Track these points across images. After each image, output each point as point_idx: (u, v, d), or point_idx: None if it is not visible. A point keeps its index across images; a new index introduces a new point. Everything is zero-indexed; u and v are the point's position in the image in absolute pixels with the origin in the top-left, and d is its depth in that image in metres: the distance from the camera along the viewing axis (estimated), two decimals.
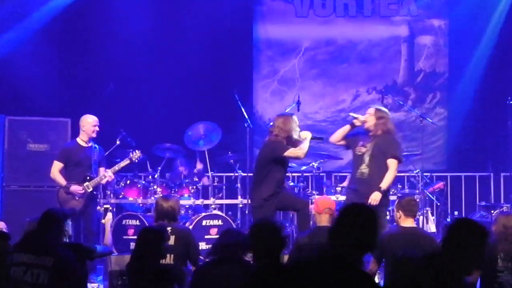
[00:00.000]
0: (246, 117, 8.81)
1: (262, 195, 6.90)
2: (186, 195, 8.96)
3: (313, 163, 9.29)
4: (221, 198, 9.62)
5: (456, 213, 9.93)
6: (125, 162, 7.95)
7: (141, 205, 8.92)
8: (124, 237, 8.34)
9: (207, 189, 9.22)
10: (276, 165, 6.94)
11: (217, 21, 10.61)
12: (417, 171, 9.14)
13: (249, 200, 7.44)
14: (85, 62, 10.39)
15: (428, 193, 9.22)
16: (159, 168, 9.09)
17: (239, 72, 11.05)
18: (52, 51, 10.13)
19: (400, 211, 5.76)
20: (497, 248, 5.38)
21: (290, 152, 6.91)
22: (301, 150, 6.93)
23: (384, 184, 6.99)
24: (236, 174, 9.18)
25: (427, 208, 8.91)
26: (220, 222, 8.32)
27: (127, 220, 8.54)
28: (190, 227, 8.10)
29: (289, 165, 7.47)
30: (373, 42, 11.23)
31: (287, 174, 7.71)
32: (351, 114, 7.59)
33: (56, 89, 9.96)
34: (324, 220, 5.87)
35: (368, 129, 7.22)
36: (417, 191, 8.92)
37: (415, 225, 5.96)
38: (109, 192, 8.84)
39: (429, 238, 5.81)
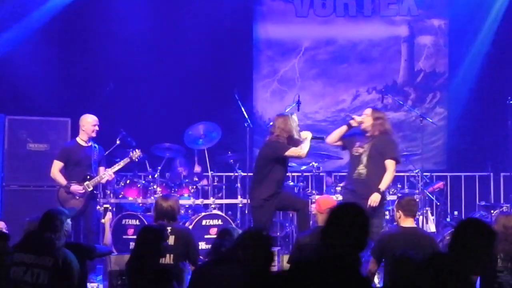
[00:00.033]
0: (246, 117, 8.81)
1: (262, 195, 6.90)
2: (186, 195, 8.96)
3: (313, 163, 9.30)
4: (221, 198, 9.62)
5: (456, 213, 9.94)
6: (125, 161, 7.95)
7: (140, 204, 8.93)
8: (124, 236, 8.35)
9: (207, 190, 9.24)
10: (276, 165, 6.94)
11: (217, 21, 10.61)
12: (417, 171, 9.14)
13: (249, 200, 7.43)
14: (85, 62, 10.38)
15: (428, 193, 9.21)
16: (159, 168, 9.10)
17: (239, 72, 11.05)
18: (52, 50, 10.12)
19: (400, 211, 5.75)
20: (497, 248, 5.37)
21: (292, 151, 6.91)
22: (302, 150, 6.94)
23: (383, 186, 7.00)
24: (236, 174, 9.18)
25: (426, 208, 8.91)
26: (220, 222, 8.32)
27: (127, 220, 8.55)
28: (190, 227, 8.10)
29: (289, 165, 7.47)
30: (373, 42, 11.23)
31: (287, 174, 7.71)
32: (353, 116, 7.54)
33: (56, 88, 9.95)
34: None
35: (365, 130, 7.21)
36: (417, 191, 8.92)
37: (415, 225, 5.96)
38: (108, 192, 8.85)
39: (429, 238, 5.81)
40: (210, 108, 10.64)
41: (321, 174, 9.85)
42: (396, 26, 11.24)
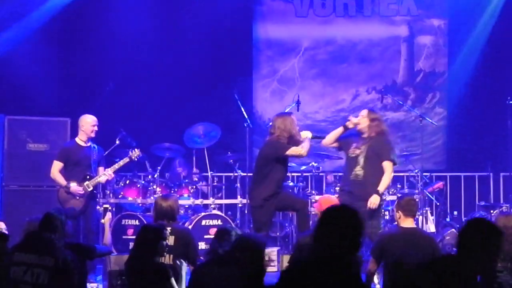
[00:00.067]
0: (246, 117, 8.81)
1: (262, 195, 6.89)
2: (185, 195, 8.96)
3: (313, 163, 9.30)
4: (221, 198, 9.63)
5: (455, 213, 9.95)
6: (125, 160, 7.95)
7: (140, 205, 8.93)
8: (124, 237, 8.35)
9: (207, 190, 9.24)
10: (276, 165, 6.94)
11: (217, 21, 10.60)
12: (416, 171, 9.15)
13: (249, 200, 7.42)
14: (84, 62, 10.38)
15: (427, 193, 9.22)
16: (159, 168, 9.10)
17: (239, 72, 11.05)
18: (52, 50, 10.12)
19: (399, 211, 5.75)
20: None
21: (292, 150, 6.91)
22: (303, 149, 6.94)
23: (381, 187, 7.01)
24: (236, 174, 9.18)
25: (426, 208, 8.91)
26: (219, 222, 8.31)
27: (127, 220, 8.56)
28: (190, 227, 8.10)
29: (289, 165, 7.47)
30: (373, 42, 11.24)
31: (287, 174, 7.71)
32: (349, 117, 7.52)
33: (55, 88, 9.95)
34: None
35: (362, 131, 7.20)
36: (417, 191, 8.93)
37: (415, 226, 5.95)
38: (108, 192, 8.86)
39: (428, 238, 5.80)
40: (210, 108, 10.65)
41: (320, 174, 9.85)
42: (395, 26, 11.24)
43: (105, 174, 7.76)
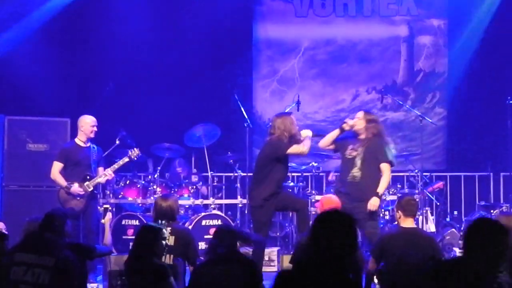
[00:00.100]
0: (246, 117, 8.81)
1: (262, 195, 6.88)
2: (185, 195, 8.97)
3: (313, 163, 9.30)
4: (221, 198, 9.63)
5: (455, 213, 9.94)
6: (124, 160, 7.94)
7: (140, 205, 8.94)
8: (124, 237, 8.36)
9: (207, 190, 9.24)
10: (277, 164, 6.94)
11: (217, 21, 10.60)
12: (416, 171, 9.15)
13: (248, 200, 7.42)
14: (84, 62, 10.38)
15: (427, 193, 9.22)
16: (159, 168, 9.10)
17: (238, 72, 11.06)
18: (52, 51, 10.12)
19: (399, 211, 5.76)
20: None
21: (294, 148, 6.90)
22: (305, 146, 6.94)
23: (380, 189, 7.02)
24: (236, 174, 9.19)
25: (426, 208, 8.91)
26: (219, 222, 8.31)
27: (127, 220, 8.57)
28: (190, 227, 8.11)
29: (289, 164, 7.46)
30: (373, 42, 11.23)
31: (287, 174, 7.71)
32: (346, 120, 7.48)
33: (55, 89, 9.95)
34: None
35: (358, 133, 7.19)
36: (417, 191, 8.93)
37: (415, 226, 5.95)
38: (108, 192, 8.86)
39: (428, 238, 5.81)
40: (210, 108, 10.66)
41: (321, 174, 9.85)
42: (395, 26, 11.24)
43: (105, 174, 7.76)
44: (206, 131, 9.32)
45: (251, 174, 7.69)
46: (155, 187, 8.88)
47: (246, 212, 8.59)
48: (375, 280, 6.56)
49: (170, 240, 5.59)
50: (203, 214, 8.57)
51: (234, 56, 11.05)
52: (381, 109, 11.05)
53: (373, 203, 6.90)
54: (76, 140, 7.87)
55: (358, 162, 7.07)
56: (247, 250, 6.65)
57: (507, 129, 9.40)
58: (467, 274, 3.47)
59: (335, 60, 11.26)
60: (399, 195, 8.21)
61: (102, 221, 6.31)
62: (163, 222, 5.64)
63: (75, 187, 7.58)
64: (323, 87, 11.27)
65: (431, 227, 8.83)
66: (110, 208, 6.78)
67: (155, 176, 9.00)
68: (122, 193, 8.91)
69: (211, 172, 9.21)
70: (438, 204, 9.73)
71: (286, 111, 8.19)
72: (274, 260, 8.11)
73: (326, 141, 7.35)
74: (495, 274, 3.72)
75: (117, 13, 10.35)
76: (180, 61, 10.53)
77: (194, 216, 8.61)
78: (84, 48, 10.48)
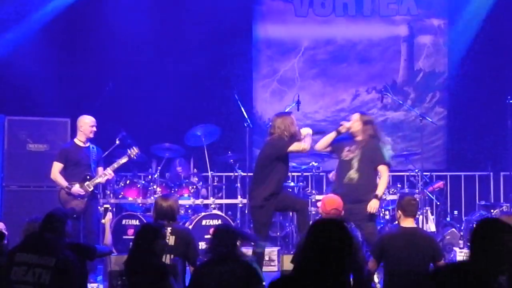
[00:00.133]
0: (246, 117, 8.81)
1: (262, 195, 6.87)
2: (185, 195, 8.97)
3: (313, 163, 9.29)
4: (221, 197, 9.62)
5: (456, 212, 9.93)
6: (124, 159, 7.94)
7: (140, 205, 8.93)
8: (124, 237, 8.35)
9: (207, 190, 9.24)
10: (278, 164, 6.93)
11: (217, 21, 10.61)
12: (416, 170, 9.15)
13: (249, 200, 7.41)
14: (84, 62, 10.37)
15: (427, 192, 9.22)
16: (159, 168, 9.10)
17: (238, 71, 11.06)
18: (52, 51, 10.11)
19: (399, 211, 5.76)
20: None
21: (295, 145, 6.89)
22: (306, 143, 6.93)
23: (380, 191, 7.04)
24: (236, 173, 9.18)
25: (426, 208, 8.91)
26: (219, 222, 8.30)
27: (127, 220, 8.56)
28: (190, 227, 8.11)
29: (289, 164, 7.46)
30: (373, 41, 11.23)
31: (288, 174, 7.70)
32: (342, 122, 7.48)
33: (55, 89, 9.95)
34: None
35: (355, 135, 7.19)
36: (417, 190, 8.93)
37: (415, 225, 5.95)
38: (108, 192, 8.86)
39: (429, 238, 5.80)
40: (210, 108, 10.67)
41: (321, 174, 9.84)
42: (395, 26, 11.24)
43: (105, 174, 7.77)
44: (206, 131, 9.32)
45: (251, 174, 7.68)
46: (155, 187, 8.88)
47: (246, 212, 8.59)
48: (375, 280, 6.57)
49: (170, 240, 5.60)
50: (203, 214, 8.56)
51: (234, 56, 11.05)
52: (381, 109, 11.07)
53: (373, 206, 6.91)
54: (76, 140, 7.87)
55: (355, 164, 7.06)
56: (247, 249, 6.64)
57: (507, 129, 9.39)
58: (469, 278, 3.43)
59: (335, 60, 11.26)
60: (400, 194, 8.20)
61: (103, 221, 6.31)
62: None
63: (76, 188, 7.58)
64: (323, 87, 11.27)
65: (431, 226, 8.83)
66: (110, 208, 6.78)
67: (155, 176, 9.00)
68: (122, 193, 8.91)
69: (211, 172, 9.21)
70: (438, 203, 9.72)
71: (286, 111, 8.18)
72: (274, 260, 8.10)
73: (322, 144, 7.35)
74: (496, 275, 3.70)
75: (117, 13, 10.35)
76: (180, 61, 10.53)
77: (194, 216, 8.61)
78: (84, 48, 10.48)
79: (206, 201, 9.02)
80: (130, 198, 8.91)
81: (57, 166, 7.73)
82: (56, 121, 9.08)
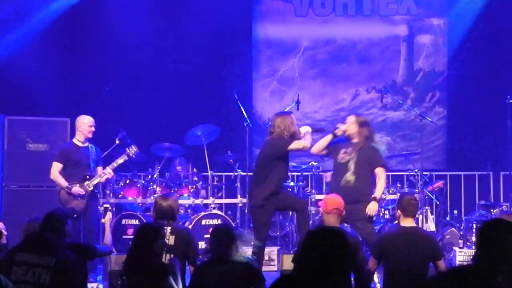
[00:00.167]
0: (246, 116, 8.80)
1: (262, 194, 6.86)
2: (185, 195, 8.97)
3: (313, 162, 9.30)
4: (221, 197, 9.62)
5: (455, 212, 9.93)
6: (123, 158, 7.94)
7: (140, 204, 8.94)
8: (124, 236, 8.36)
9: (207, 189, 9.24)
10: (278, 164, 6.92)
11: (217, 21, 10.61)
12: (416, 170, 9.15)
13: (248, 200, 7.41)
14: (85, 62, 10.38)
15: (427, 192, 9.22)
16: (159, 167, 9.10)
17: (238, 71, 11.06)
18: (52, 51, 10.12)
19: (399, 210, 5.76)
20: None
21: (295, 144, 6.89)
22: (306, 141, 6.93)
23: (378, 194, 7.04)
24: (236, 173, 9.18)
25: (426, 207, 8.90)
26: (219, 222, 8.31)
27: (127, 220, 8.57)
28: (190, 226, 8.11)
29: (289, 164, 7.46)
30: (373, 41, 11.24)
31: (288, 174, 7.70)
32: (337, 125, 7.45)
33: (55, 89, 9.95)
34: (331, 221, 5.70)
35: (351, 137, 7.19)
36: (417, 190, 8.93)
37: (415, 225, 5.95)
38: (108, 192, 8.86)
39: (428, 238, 5.80)
40: (210, 107, 10.67)
41: (320, 173, 9.84)
42: (395, 26, 11.24)
43: (104, 173, 7.76)
44: (206, 131, 9.32)
45: (251, 173, 7.68)
46: (155, 186, 8.89)
47: (246, 211, 8.59)
48: (375, 279, 6.58)
49: (170, 240, 5.60)
50: (203, 213, 8.57)
51: (234, 56, 11.06)
52: (381, 109, 11.07)
53: (372, 208, 6.91)
54: (74, 140, 7.87)
55: (352, 166, 7.05)
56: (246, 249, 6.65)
57: (507, 128, 9.39)
58: (472, 282, 3.39)
59: (335, 60, 11.26)
60: (399, 194, 8.21)
61: (102, 220, 6.32)
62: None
63: (76, 188, 7.59)
64: (323, 86, 11.27)
65: (431, 226, 8.83)
66: (110, 208, 6.78)
67: (155, 175, 9.00)
68: (122, 192, 8.91)
69: (211, 172, 9.21)
70: (438, 203, 9.72)
71: (286, 110, 8.18)
72: (274, 260, 8.11)
73: (319, 147, 7.34)
74: (497, 276, 3.70)
75: (117, 13, 10.35)
76: (180, 61, 10.53)
77: (194, 216, 8.61)
78: (84, 48, 10.48)
79: (206, 201, 9.03)
80: (130, 198, 8.91)
81: (56, 166, 7.74)
82: (56, 121, 9.07)
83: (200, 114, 10.27)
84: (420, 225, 8.15)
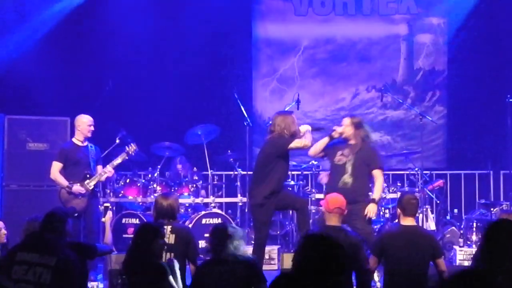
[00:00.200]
0: (246, 115, 8.80)
1: (263, 193, 6.85)
2: (185, 194, 8.98)
3: (313, 161, 9.29)
4: (221, 196, 9.62)
5: (455, 211, 9.93)
6: (123, 156, 7.93)
7: (140, 203, 8.94)
8: (124, 236, 8.36)
9: (207, 188, 9.25)
10: (278, 162, 6.92)
11: (217, 20, 10.61)
12: (416, 169, 9.16)
13: (249, 199, 7.41)
14: (85, 62, 10.37)
15: (427, 191, 9.22)
16: (159, 166, 9.10)
17: (238, 70, 11.06)
18: (52, 50, 10.12)
19: (399, 209, 5.76)
20: None
21: (296, 142, 6.89)
22: (306, 140, 6.93)
23: (377, 196, 7.05)
24: (236, 172, 9.19)
25: (426, 206, 8.91)
26: (219, 221, 8.32)
27: (127, 219, 8.57)
28: (190, 225, 8.12)
29: (289, 163, 7.45)
30: (373, 40, 11.24)
31: (288, 173, 7.70)
32: (334, 127, 7.43)
33: (55, 88, 9.95)
34: (333, 220, 5.68)
35: (348, 139, 7.19)
36: (417, 189, 8.93)
37: (415, 224, 5.95)
38: (108, 191, 8.86)
39: (428, 236, 5.80)
40: (210, 107, 10.68)
41: (320, 172, 9.83)
42: (395, 25, 11.24)
43: (105, 172, 7.76)
44: (206, 131, 9.33)
45: (251, 172, 7.68)
46: (155, 185, 8.89)
47: (246, 210, 8.59)
48: (376, 278, 6.58)
49: (171, 239, 5.60)
50: (203, 212, 8.57)
51: (234, 55, 11.06)
52: (381, 108, 11.07)
53: (371, 210, 6.92)
54: (74, 140, 7.87)
55: (349, 168, 7.05)
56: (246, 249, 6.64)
57: (507, 127, 9.39)
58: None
59: (335, 59, 11.27)
60: (400, 193, 8.20)
61: (103, 219, 6.32)
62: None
63: (77, 186, 7.59)
64: (323, 85, 11.27)
65: (431, 225, 8.83)
66: (110, 207, 6.78)
67: (155, 174, 9.00)
68: (122, 192, 8.91)
69: (211, 171, 9.21)
70: (438, 202, 9.72)
71: (286, 109, 8.18)
72: (274, 259, 8.11)
73: (316, 150, 7.34)
74: (497, 276, 3.69)
75: (117, 12, 10.35)
76: (180, 60, 10.53)
77: (194, 215, 8.62)
78: (84, 48, 10.48)
79: (206, 200, 9.04)
80: (130, 197, 8.92)
81: (56, 166, 7.73)
82: (56, 120, 9.07)
83: (200, 113, 10.28)
84: (420, 224, 8.15)
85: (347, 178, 7.04)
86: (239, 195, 9.07)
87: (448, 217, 9.65)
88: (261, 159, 7.02)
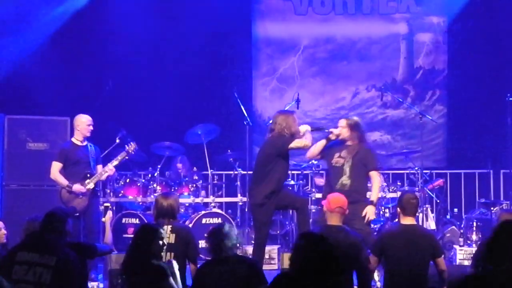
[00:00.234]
0: (246, 115, 8.80)
1: (263, 193, 6.85)
2: (185, 193, 8.98)
3: (313, 161, 9.29)
4: (221, 196, 9.63)
5: (455, 210, 9.94)
6: (123, 155, 7.93)
7: (140, 203, 8.95)
8: (124, 235, 8.35)
9: (207, 188, 9.25)
10: (278, 162, 6.91)
11: (216, 20, 10.60)
12: (416, 168, 9.16)
13: (249, 198, 7.41)
14: (85, 62, 10.38)
15: (427, 190, 9.22)
16: (159, 166, 9.10)
17: (238, 70, 11.06)
18: (52, 50, 10.12)
19: (399, 208, 5.76)
20: None
21: (296, 142, 6.89)
22: (306, 139, 6.93)
23: (374, 197, 7.06)
24: (236, 172, 9.19)
25: (426, 206, 8.91)
26: (219, 220, 8.32)
27: (127, 219, 8.57)
28: (190, 225, 8.12)
29: (289, 162, 7.45)
30: (372, 39, 11.24)
31: (288, 172, 7.70)
32: (331, 129, 7.41)
33: (55, 88, 9.95)
34: (334, 220, 5.68)
35: (345, 140, 7.19)
36: (417, 188, 8.93)
37: (415, 223, 5.94)
38: (108, 191, 8.86)
39: (429, 236, 5.80)
40: (210, 107, 10.68)
41: (320, 172, 9.84)
42: (395, 24, 11.24)
43: (105, 171, 7.76)
44: (206, 131, 9.33)
45: (251, 172, 7.67)
46: (155, 185, 8.89)
47: (246, 210, 8.59)
48: (376, 278, 6.58)
49: (171, 238, 5.61)
50: (203, 212, 8.58)
51: (234, 55, 11.06)
52: (381, 107, 11.08)
53: (370, 211, 6.92)
54: (73, 139, 7.87)
55: (347, 169, 7.05)
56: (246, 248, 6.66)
57: (507, 127, 9.38)
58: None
59: (335, 58, 11.27)
60: (400, 193, 8.21)
61: (103, 219, 6.32)
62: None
63: (77, 185, 7.59)
64: (323, 85, 11.27)
65: (431, 224, 8.83)
66: (110, 207, 6.78)
67: (155, 174, 9.01)
68: (122, 191, 8.91)
69: (211, 171, 9.21)
70: (438, 201, 9.73)
71: (286, 109, 8.18)
72: (274, 258, 8.11)
73: (313, 152, 7.34)
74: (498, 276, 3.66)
75: (117, 12, 10.35)
76: (180, 60, 10.54)
77: (194, 214, 8.62)
78: (84, 48, 10.48)
79: (206, 200, 9.04)
80: (130, 197, 8.92)
81: (56, 166, 7.73)
82: (56, 120, 9.06)
83: (200, 113, 10.27)
84: (420, 224, 8.15)
85: (345, 180, 7.04)
86: (239, 194, 9.07)
87: (448, 217, 9.66)
88: (261, 159, 7.02)
